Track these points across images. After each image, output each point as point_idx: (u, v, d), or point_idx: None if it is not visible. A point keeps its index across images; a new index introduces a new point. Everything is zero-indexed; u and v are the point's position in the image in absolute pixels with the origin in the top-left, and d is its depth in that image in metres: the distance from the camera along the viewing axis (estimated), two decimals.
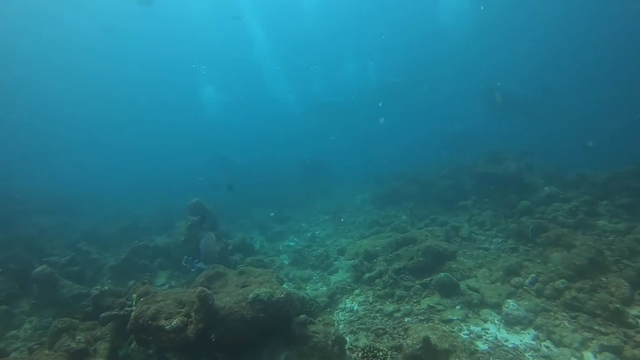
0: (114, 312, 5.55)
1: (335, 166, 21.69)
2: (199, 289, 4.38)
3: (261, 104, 41.76)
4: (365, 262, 7.66)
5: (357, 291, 7.07)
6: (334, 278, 8.02)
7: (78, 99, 39.51)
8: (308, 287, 7.78)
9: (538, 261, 7.09)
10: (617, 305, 5.29)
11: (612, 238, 7.59)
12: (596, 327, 5.15)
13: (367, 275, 7.27)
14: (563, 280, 6.07)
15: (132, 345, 5.67)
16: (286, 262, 9.39)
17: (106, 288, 6.20)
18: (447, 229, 9.00)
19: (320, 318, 5.44)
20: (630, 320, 5.14)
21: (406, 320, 5.89)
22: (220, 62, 37.49)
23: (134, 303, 5.04)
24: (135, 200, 19.93)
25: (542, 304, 5.80)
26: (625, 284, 5.67)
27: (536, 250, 7.62)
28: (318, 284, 7.91)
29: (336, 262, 8.71)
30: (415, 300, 6.39)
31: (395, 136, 31.20)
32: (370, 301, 6.61)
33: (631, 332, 4.96)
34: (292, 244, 10.91)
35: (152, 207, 17.27)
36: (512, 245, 8.12)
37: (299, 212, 13.79)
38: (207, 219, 8.92)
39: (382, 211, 12.55)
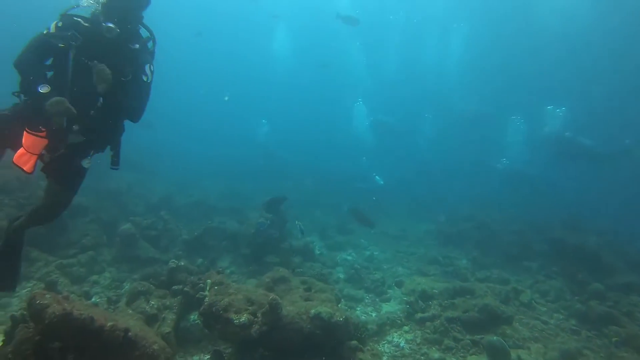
0: (185, 289, 6.09)
1: (399, 189, 21.44)
2: (272, 296, 4.78)
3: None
4: (420, 301, 7.78)
5: (406, 328, 7.21)
6: (385, 307, 8.19)
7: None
8: (358, 309, 8.04)
9: (601, 354, 6.78)
10: None
11: None
12: None
13: (419, 315, 7.39)
14: None
15: (192, 320, 6.23)
16: (342, 276, 9.66)
17: (182, 264, 6.80)
18: (508, 290, 8.78)
19: (368, 347, 5.69)
20: None
21: None
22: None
23: (207, 289, 5.55)
24: (205, 172, 20.79)
25: None
26: None
27: (601, 341, 7.26)
28: (369, 308, 8.12)
29: (390, 291, 8.87)
30: (462, 354, 6.43)
31: (459, 166, 29.56)
32: (418, 342, 6.73)
33: None
34: (349, 258, 11.16)
35: (220, 183, 18.18)
36: (574, 327, 7.78)
37: (362, 227, 14.00)
38: (278, 220, 9.45)
39: (444, 249, 12.46)
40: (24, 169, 3.01)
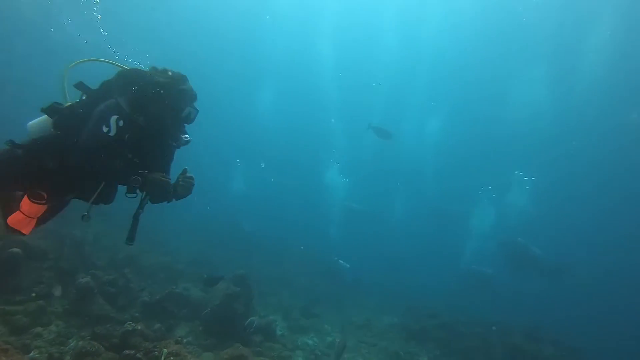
0: (137, 355, 5.73)
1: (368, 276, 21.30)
2: None
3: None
4: None
5: None
6: None
7: None
8: None
9: None
10: None
11: None
12: None
13: None
14: None
15: None
16: None
17: (138, 327, 6.45)
18: None
19: None
20: None
21: None
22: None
23: (163, 358, 5.24)
24: (177, 230, 20.22)
25: None
26: None
27: None
28: None
29: None
30: None
31: (426, 257, 29.94)
32: None
33: None
34: (310, 342, 10.74)
35: (192, 245, 17.70)
36: None
37: (327, 312, 13.70)
38: (244, 295, 9.18)
39: (406, 344, 12.20)
40: (23, 232, 2.89)
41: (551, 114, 28.96)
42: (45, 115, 3.16)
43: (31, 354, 6.42)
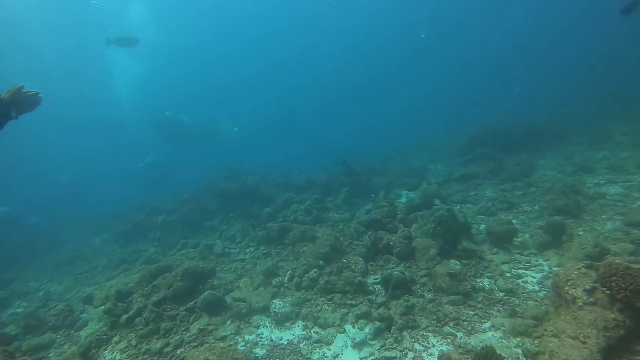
0: None
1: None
2: None
3: None
4: (119, 303, 6.80)
5: (115, 338, 6.16)
6: (84, 333, 6.82)
7: None
8: (51, 355, 6.39)
9: (291, 259, 7.83)
10: (360, 278, 6.17)
11: (342, 226, 8.90)
12: (348, 302, 5.89)
13: (124, 317, 6.44)
14: (315, 269, 6.71)
15: None
16: (14, 333, 7.49)
17: None
18: (201, 249, 9.05)
19: None
20: (370, 288, 6.07)
21: (179, 351, 5.45)
22: None
23: None
24: None
25: (303, 296, 6.30)
26: (360, 259, 6.74)
27: (287, 250, 8.33)
28: (64, 346, 6.57)
29: (84, 315, 7.45)
30: (184, 328, 6.00)
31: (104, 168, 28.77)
32: (134, 344, 5.82)
33: (373, 297, 5.86)
34: (19, 310, 8.80)
35: None
36: (265, 251, 8.68)
37: (26, 269, 11.41)
38: None
39: (128, 248, 11.52)
40: None
41: None
42: None
43: None
